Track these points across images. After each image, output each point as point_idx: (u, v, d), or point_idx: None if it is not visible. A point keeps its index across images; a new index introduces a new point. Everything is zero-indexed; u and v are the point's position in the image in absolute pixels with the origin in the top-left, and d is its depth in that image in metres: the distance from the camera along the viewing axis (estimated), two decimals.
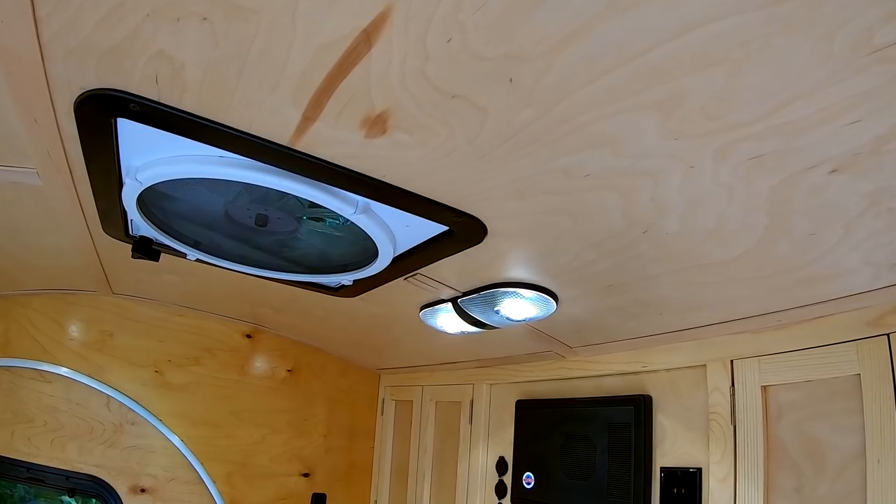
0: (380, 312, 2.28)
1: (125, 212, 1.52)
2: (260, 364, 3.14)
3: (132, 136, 1.13)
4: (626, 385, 2.04)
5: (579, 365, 2.23)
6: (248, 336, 3.12)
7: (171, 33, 0.83)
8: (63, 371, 2.67)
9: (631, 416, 1.92)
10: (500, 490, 2.48)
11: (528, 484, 2.28)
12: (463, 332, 2.10)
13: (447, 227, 1.40)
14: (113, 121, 1.07)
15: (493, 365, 2.62)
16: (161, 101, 0.99)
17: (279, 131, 1.05)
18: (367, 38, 0.78)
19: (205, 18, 0.79)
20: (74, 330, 2.74)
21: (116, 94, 0.98)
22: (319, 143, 1.07)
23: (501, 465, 2.51)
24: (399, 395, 3.32)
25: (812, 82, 0.75)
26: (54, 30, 0.85)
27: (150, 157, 1.20)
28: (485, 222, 1.33)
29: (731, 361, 1.65)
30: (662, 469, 1.80)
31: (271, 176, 1.18)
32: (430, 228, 1.44)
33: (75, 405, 2.68)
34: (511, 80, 0.81)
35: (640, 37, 0.71)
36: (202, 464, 2.86)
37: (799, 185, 0.98)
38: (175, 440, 2.83)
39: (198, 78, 0.93)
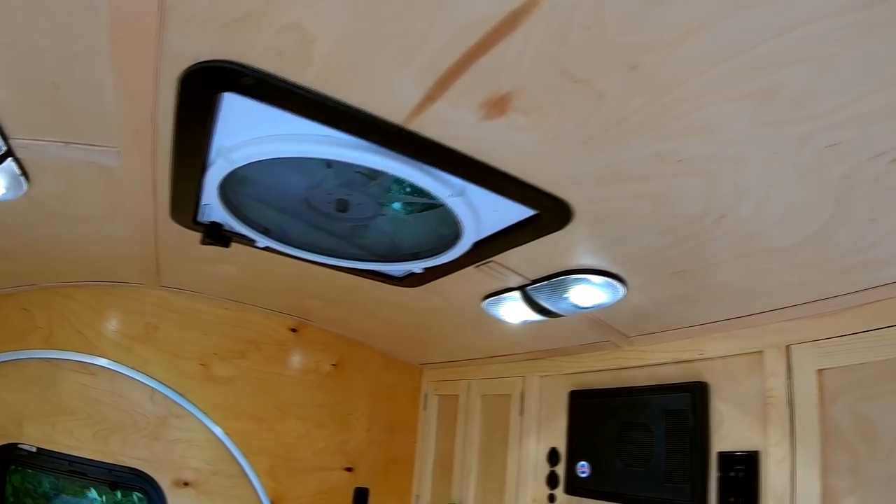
0: (438, 303, 2.24)
1: (199, 197, 1.47)
2: (304, 358, 3.10)
3: (233, 112, 1.08)
4: (681, 373, 2.02)
5: (634, 354, 2.21)
6: (293, 330, 3.08)
7: (310, 5, 0.79)
8: (107, 363, 2.63)
9: (688, 402, 1.91)
10: (552, 480, 2.46)
11: (583, 473, 2.26)
12: (525, 322, 2.08)
13: (535, 212, 1.38)
14: (218, 95, 1.01)
15: (545, 357, 2.59)
16: (279, 76, 0.95)
17: (395, 111, 1.03)
18: (513, 20, 0.78)
19: None
20: (119, 322, 2.71)
21: (232, 66, 0.93)
22: (433, 124, 1.06)
23: (553, 456, 2.48)
24: (443, 390, 3.30)
25: (887, 78, 0.81)
26: None
27: (245, 135, 1.15)
28: (573, 207, 1.32)
29: (788, 347, 1.66)
30: (720, 453, 1.80)
31: (375, 155, 1.14)
32: (516, 213, 1.41)
33: (118, 398, 2.64)
34: (634, 67, 0.84)
35: (750, 33, 0.76)
36: (246, 457, 2.82)
37: (865, 173, 1.02)
38: (219, 433, 2.79)
39: (325, 53, 0.89)
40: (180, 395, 2.73)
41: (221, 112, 1.08)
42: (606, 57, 0.83)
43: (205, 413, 2.77)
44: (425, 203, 1.50)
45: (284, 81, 0.95)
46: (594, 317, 2.02)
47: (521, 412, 2.68)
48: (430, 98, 0.98)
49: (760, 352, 1.74)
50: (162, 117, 1.13)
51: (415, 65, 0.90)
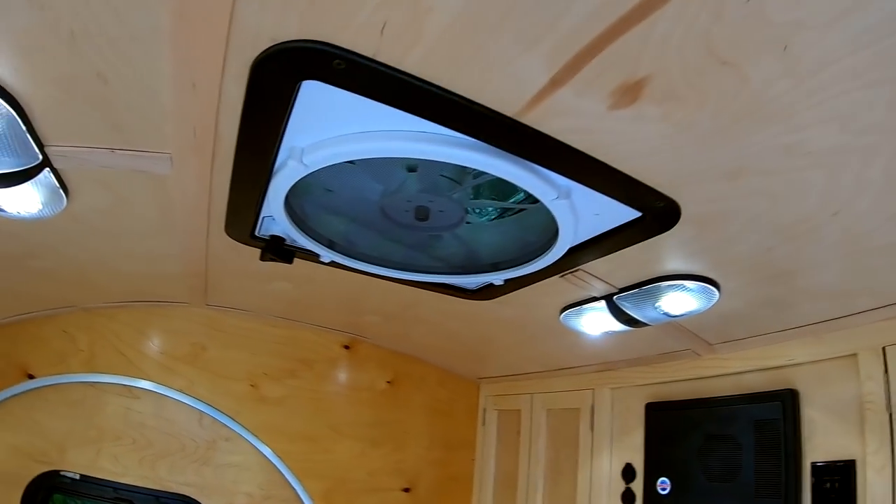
0: (511, 315, 2.08)
1: (259, 208, 1.31)
2: (358, 375, 2.96)
3: (311, 106, 0.91)
4: (767, 380, 1.92)
5: (716, 363, 2.08)
6: (346, 347, 2.95)
7: None
8: (151, 386, 2.51)
9: (779, 411, 1.82)
10: (628, 498, 2.32)
11: (664, 490, 2.14)
12: (606, 333, 1.93)
13: (639, 214, 1.23)
14: (298, 85, 0.85)
15: (617, 368, 2.44)
16: (377, 59, 0.80)
17: (511, 100, 0.89)
18: None
19: None
20: (164, 343, 2.59)
21: (319, 47, 0.77)
22: (551, 115, 0.92)
23: (629, 472, 2.34)
24: (503, 405, 3.16)
25: None
26: None
27: (321, 133, 0.99)
28: (682, 208, 1.20)
29: (884, 348, 1.57)
30: (813, 464, 1.72)
31: (478, 154, 0.97)
32: (618, 217, 1.26)
33: (165, 421, 2.53)
34: (786, 47, 0.77)
35: None
36: (300, 480, 2.69)
37: None
38: (271, 456, 2.67)
39: (439, 29, 0.75)
40: (230, 417, 2.60)
41: (300, 105, 0.92)
42: (760, 35, 0.75)
43: (256, 435, 2.64)
44: (504, 207, 1.34)
45: (383, 66, 0.79)
46: (677, 324, 1.88)
47: (592, 426, 2.53)
48: (556, 83, 0.84)
49: (855, 355, 1.65)
50: (227, 113, 0.98)
51: (545, 43, 0.77)
